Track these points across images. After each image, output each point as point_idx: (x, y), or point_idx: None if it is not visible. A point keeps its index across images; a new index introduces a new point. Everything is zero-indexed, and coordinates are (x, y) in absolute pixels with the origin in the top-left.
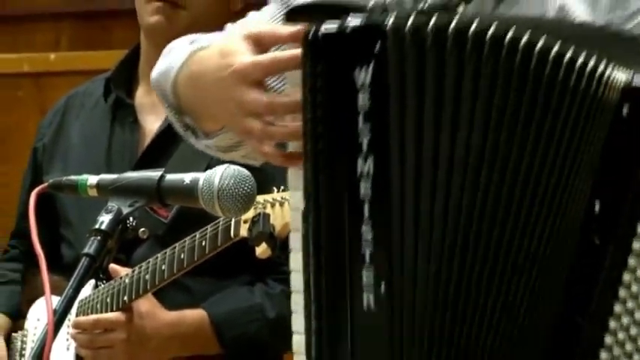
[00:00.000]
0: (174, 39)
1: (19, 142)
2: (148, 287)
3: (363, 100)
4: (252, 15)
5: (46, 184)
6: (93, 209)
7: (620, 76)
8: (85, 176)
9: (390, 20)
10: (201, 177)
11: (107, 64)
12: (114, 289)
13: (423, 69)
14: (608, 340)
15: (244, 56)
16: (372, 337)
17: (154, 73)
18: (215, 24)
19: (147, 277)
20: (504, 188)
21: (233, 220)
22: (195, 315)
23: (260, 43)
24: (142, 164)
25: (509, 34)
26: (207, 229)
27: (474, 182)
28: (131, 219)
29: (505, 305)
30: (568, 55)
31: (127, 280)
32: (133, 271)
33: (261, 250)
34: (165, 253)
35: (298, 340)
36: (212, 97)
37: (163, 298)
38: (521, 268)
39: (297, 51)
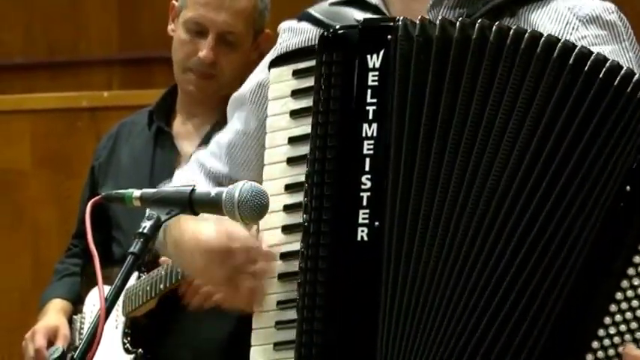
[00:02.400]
0: (205, 99)
1: (79, 163)
2: (180, 277)
3: (372, 78)
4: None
5: (99, 197)
6: (138, 216)
7: None
8: (130, 190)
9: (400, 19)
10: (224, 191)
11: (150, 100)
12: (152, 279)
13: (428, 54)
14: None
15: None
16: (363, 265)
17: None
18: (237, 80)
19: (178, 269)
20: (496, 152)
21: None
22: None
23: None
24: None
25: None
26: None
27: (467, 147)
28: None
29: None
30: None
31: (162, 272)
32: (168, 265)
33: None
34: None
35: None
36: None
37: None
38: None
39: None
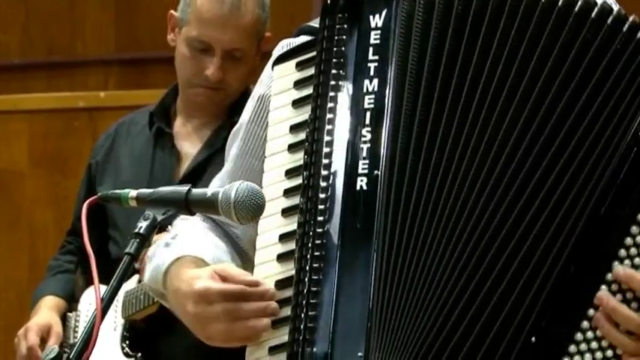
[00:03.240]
0: (212, 106)
1: (76, 163)
2: None
3: (374, 37)
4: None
5: (96, 197)
6: (136, 215)
7: None
8: (126, 190)
9: None
10: (220, 191)
11: (146, 100)
12: None
13: (431, 13)
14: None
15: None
16: (362, 212)
17: (146, 279)
18: (243, 86)
19: None
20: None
21: None
22: None
23: (224, 279)
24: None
25: None
26: None
27: (468, 100)
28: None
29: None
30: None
31: None
32: None
33: None
34: None
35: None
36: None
37: None
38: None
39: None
